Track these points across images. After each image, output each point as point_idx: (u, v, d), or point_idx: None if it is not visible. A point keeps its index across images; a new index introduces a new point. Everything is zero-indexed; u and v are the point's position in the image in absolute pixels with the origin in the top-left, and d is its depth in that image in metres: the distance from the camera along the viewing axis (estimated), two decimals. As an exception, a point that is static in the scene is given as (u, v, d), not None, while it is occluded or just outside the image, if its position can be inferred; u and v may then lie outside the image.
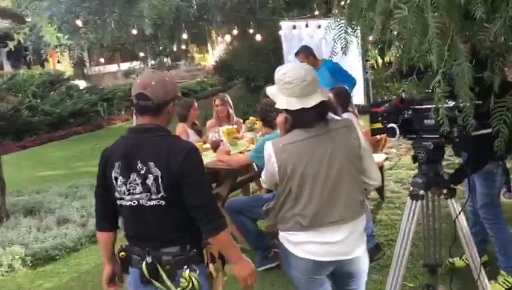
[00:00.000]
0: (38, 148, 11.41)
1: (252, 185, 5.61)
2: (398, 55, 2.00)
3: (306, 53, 5.65)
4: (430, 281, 2.92)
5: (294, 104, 2.15)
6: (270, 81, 2.20)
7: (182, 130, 5.19)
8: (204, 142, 5.07)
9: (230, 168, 4.19)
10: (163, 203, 2.03)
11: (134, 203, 2.06)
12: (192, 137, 5.27)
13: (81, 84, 16.19)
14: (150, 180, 2.02)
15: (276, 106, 2.24)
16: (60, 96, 14.02)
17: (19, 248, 4.68)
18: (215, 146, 4.61)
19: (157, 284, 2.04)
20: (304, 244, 2.19)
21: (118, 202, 2.10)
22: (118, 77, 21.76)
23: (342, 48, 2.15)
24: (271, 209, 2.43)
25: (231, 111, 5.60)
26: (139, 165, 2.03)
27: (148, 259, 2.04)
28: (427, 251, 3.28)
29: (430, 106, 2.65)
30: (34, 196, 6.44)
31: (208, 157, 4.45)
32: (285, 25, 8.65)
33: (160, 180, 2.01)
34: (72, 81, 15.72)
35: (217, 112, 5.51)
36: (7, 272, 4.45)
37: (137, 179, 2.04)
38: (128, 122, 13.76)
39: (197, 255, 2.11)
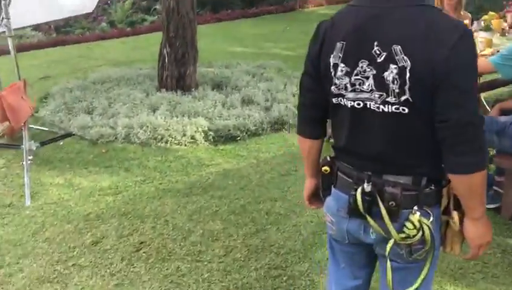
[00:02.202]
0: (232, 23, 11.39)
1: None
2: None
3: None
4: None
5: None
6: None
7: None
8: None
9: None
10: (406, 111, 1.33)
11: (358, 104, 1.41)
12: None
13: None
14: (390, 74, 1.32)
15: None
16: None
17: (203, 120, 4.56)
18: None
19: (370, 221, 1.43)
20: None
21: (333, 100, 1.46)
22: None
23: None
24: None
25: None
26: (376, 48, 1.33)
27: (367, 187, 1.42)
28: None
29: None
30: (223, 70, 6.30)
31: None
32: None
33: (408, 74, 1.29)
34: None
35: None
36: (190, 143, 4.38)
37: (368, 69, 1.36)
38: (321, 8, 12.95)
39: (433, 194, 1.43)
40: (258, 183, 3.66)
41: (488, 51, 3.50)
